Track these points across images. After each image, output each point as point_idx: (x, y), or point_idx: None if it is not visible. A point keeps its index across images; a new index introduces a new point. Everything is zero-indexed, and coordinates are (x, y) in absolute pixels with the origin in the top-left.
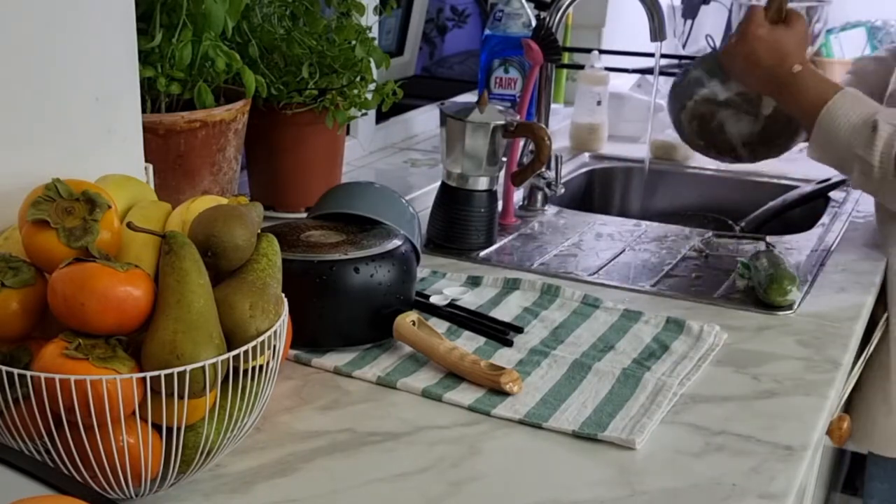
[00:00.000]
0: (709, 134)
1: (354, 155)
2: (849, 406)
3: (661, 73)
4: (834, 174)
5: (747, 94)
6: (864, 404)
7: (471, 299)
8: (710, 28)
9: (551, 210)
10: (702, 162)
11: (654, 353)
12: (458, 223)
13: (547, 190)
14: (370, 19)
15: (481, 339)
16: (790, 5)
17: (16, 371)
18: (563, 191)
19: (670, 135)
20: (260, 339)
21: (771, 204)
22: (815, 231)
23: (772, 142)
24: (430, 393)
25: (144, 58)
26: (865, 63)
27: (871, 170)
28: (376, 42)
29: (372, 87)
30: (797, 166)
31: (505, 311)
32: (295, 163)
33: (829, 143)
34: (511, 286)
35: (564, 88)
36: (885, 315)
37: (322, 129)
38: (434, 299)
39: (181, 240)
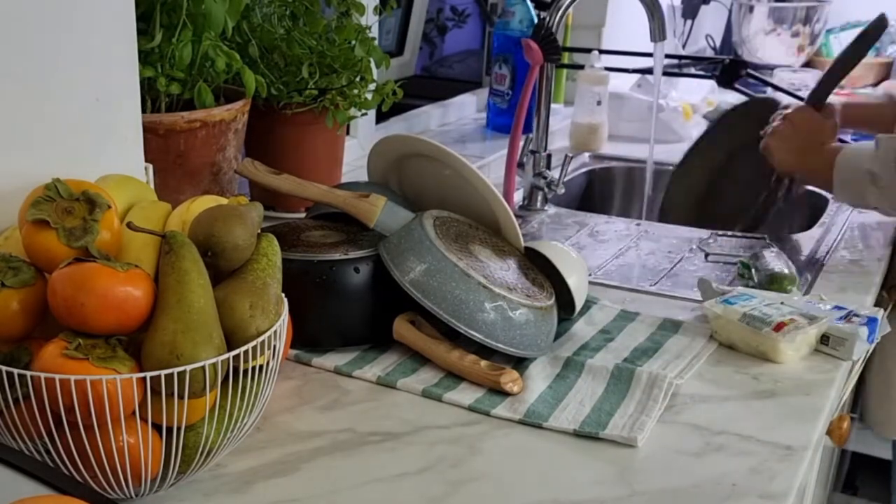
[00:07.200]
0: None
1: (354, 155)
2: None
3: (662, 74)
4: None
5: None
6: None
7: None
8: (710, 28)
9: (551, 210)
10: None
11: (646, 352)
12: None
13: (547, 190)
14: (370, 19)
15: None
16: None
17: (16, 371)
18: (563, 191)
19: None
20: (260, 339)
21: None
22: (815, 231)
23: None
24: (430, 393)
25: (144, 58)
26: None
27: (880, 180)
28: (376, 42)
29: (372, 87)
30: None
31: None
32: (295, 163)
33: (846, 177)
34: None
35: (564, 88)
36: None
37: (322, 129)
38: None
39: (181, 240)
